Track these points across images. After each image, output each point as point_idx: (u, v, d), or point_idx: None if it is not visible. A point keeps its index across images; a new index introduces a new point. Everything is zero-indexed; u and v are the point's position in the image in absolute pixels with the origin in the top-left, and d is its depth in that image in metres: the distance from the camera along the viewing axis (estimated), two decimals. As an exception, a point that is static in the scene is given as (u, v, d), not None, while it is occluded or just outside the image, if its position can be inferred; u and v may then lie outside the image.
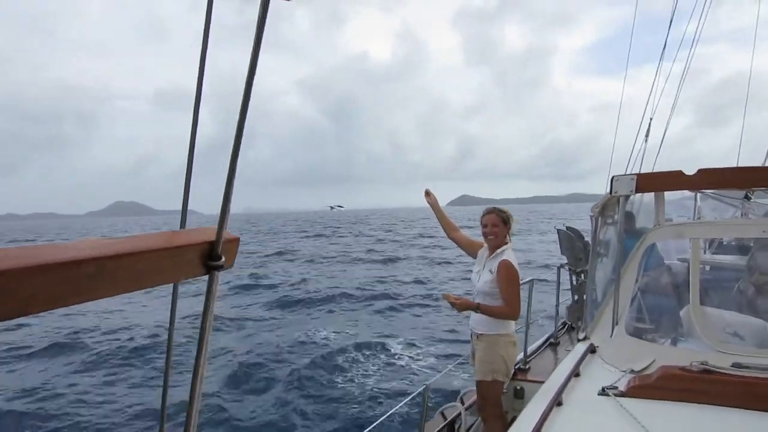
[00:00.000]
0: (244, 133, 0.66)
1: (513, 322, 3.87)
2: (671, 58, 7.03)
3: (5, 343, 12.64)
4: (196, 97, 0.80)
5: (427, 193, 4.40)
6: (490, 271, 3.80)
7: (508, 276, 3.71)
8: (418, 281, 22.17)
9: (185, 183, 0.87)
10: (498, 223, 3.87)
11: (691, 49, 7.14)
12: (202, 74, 0.79)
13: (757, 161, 8.01)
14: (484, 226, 3.91)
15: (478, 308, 3.75)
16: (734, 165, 8.17)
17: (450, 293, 3.84)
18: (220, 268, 0.68)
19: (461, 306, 3.75)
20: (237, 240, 0.72)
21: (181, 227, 0.81)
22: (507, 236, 3.92)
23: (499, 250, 3.84)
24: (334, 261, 31.66)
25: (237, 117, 0.74)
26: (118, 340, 12.86)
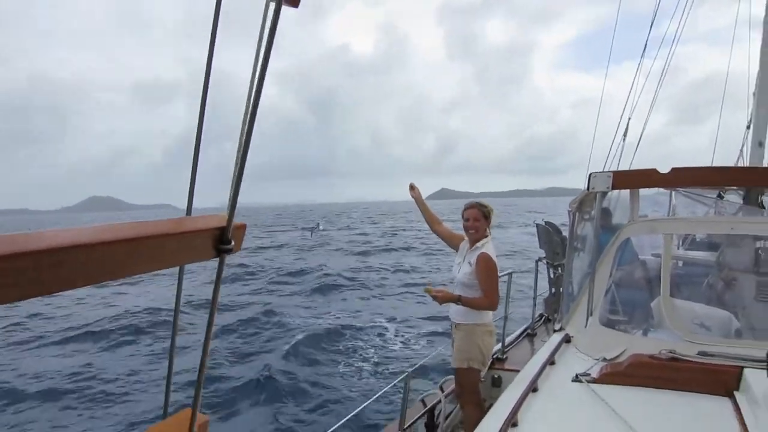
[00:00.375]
0: (254, 130, 0.72)
1: (491, 312, 3.98)
2: (650, 56, 7.16)
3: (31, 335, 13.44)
4: (203, 88, 0.84)
5: (412, 187, 4.44)
6: (470, 263, 3.88)
7: (486, 268, 3.80)
8: (406, 270, 22.79)
9: (191, 175, 0.92)
10: (479, 217, 3.96)
11: (671, 47, 7.29)
12: (210, 67, 0.82)
13: (731, 160, 8.22)
14: (466, 220, 3.99)
15: (459, 300, 3.84)
16: (709, 163, 8.40)
17: (431, 286, 3.93)
18: (229, 251, 0.75)
19: (442, 299, 3.84)
20: (244, 226, 0.79)
21: (187, 215, 0.88)
22: (487, 230, 4.01)
23: (478, 243, 3.93)
24: (323, 252, 32.23)
25: (248, 110, 0.81)
26: (131, 326, 13.64)
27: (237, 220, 0.80)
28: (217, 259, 0.77)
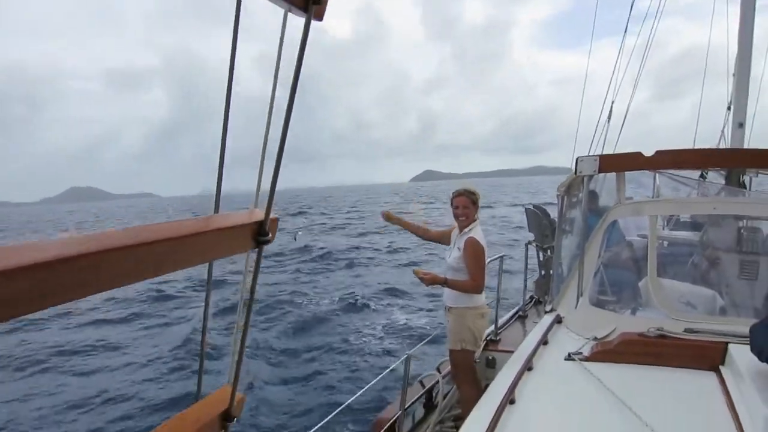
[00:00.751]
0: (288, 132, 0.80)
1: (483, 295, 4.10)
2: (631, 32, 7.25)
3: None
4: (228, 80, 0.90)
5: (389, 217, 4.54)
6: (459, 248, 4.00)
7: (474, 252, 3.92)
8: (399, 249, 23.46)
9: (218, 170, 0.99)
10: (468, 204, 4.07)
11: (654, 21, 7.36)
12: (234, 58, 0.86)
13: (712, 133, 8.33)
14: (455, 207, 4.10)
15: (445, 282, 3.96)
16: (691, 138, 8.54)
17: (420, 269, 4.05)
18: (267, 242, 0.84)
19: (429, 281, 3.96)
20: (277, 219, 0.87)
21: (215, 211, 0.95)
22: (475, 214, 4.13)
23: (467, 229, 4.04)
24: (322, 234, 33.31)
25: (284, 114, 0.88)
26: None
27: (238, 210, 0.88)
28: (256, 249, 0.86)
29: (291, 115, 0.79)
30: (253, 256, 0.89)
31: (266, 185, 0.92)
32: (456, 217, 4.11)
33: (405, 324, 11.24)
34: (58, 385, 9.06)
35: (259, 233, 0.83)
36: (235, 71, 0.89)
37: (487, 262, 4.11)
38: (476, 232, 4.01)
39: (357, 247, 24.78)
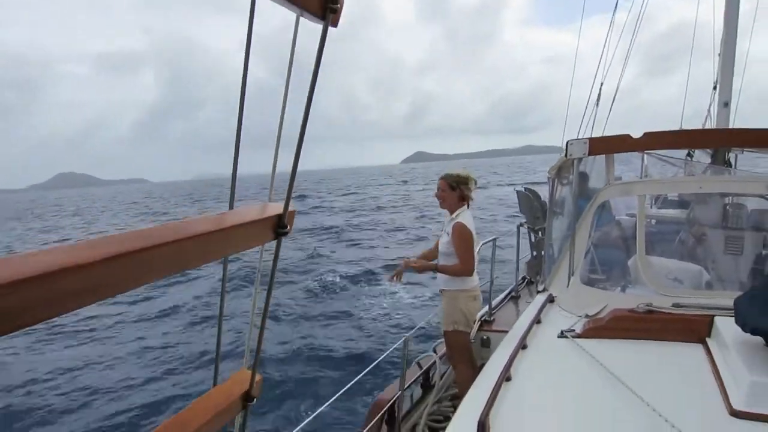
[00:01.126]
0: (306, 130, 0.85)
1: (475, 279, 4.21)
2: (621, 8, 7.30)
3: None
4: (243, 71, 0.94)
5: (405, 268, 4.43)
6: (447, 233, 4.13)
7: (461, 236, 4.04)
8: (399, 228, 24.25)
9: (233, 163, 1.04)
10: (445, 188, 4.19)
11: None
12: (249, 46, 0.92)
13: (701, 110, 8.43)
14: (436, 189, 4.28)
15: (436, 268, 4.12)
16: (679, 115, 8.66)
17: (409, 259, 4.16)
18: (285, 234, 0.90)
19: (420, 268, 4.11)
20: (294, 212, 0.94)
21: (230, 206, 1.01)
22: (464, 199, 4.21)
23: (454, 214, 4.16)
24: (322, 216, 33.94)
25: (283, 114, 0.94)
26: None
27: (250, 203, 0.94)
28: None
29: (308, 119, 0.85)
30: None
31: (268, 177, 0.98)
32: (437, 198, 4.27)
33: (409, 302, 11.44)
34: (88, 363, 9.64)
35: (279, 225, 0.89)
36: (242, 64, 0.94)
37: (479, 245, 4.21)
38: (463, 216, 4.11)
39: (358, 226, 25.60)
